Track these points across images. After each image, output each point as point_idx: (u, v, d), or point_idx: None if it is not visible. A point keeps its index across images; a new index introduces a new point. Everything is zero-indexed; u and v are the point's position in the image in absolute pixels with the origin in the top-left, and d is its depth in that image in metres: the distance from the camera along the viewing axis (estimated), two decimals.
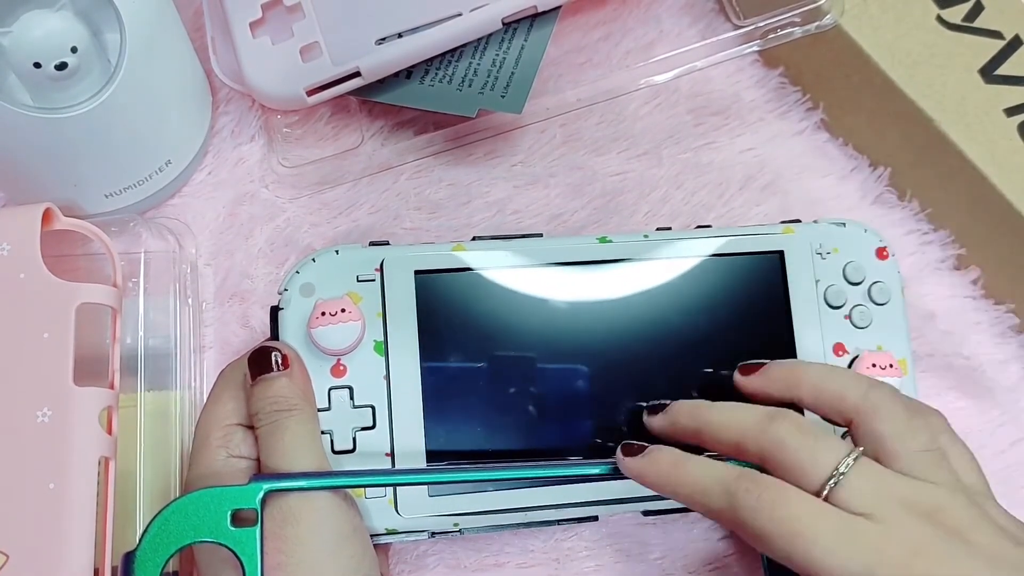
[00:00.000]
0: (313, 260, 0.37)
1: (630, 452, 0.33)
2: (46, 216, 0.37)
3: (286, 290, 0.36)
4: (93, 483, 0.33)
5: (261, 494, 0.30)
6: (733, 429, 0.32)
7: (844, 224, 0.40)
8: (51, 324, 0.35)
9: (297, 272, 0.37)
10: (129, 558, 0.30)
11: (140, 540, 0.30)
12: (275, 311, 0.36)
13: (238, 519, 0.30)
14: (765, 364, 0.35)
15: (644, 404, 0.36)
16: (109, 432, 0.35)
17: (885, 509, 0.29)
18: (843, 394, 0.32)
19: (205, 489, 0.31)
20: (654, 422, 0.35)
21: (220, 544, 0.30)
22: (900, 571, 0.28)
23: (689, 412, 0.34)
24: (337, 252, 0.37)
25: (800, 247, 0.39)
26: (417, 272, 0.37)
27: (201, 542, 0.30)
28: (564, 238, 0.39)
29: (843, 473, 0.29)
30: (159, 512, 0.30)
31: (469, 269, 0.37)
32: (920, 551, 0.28)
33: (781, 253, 0.39)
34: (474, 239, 0.38)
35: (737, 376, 0.35)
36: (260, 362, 0.34)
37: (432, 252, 0.37)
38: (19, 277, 0.36)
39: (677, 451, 0.32)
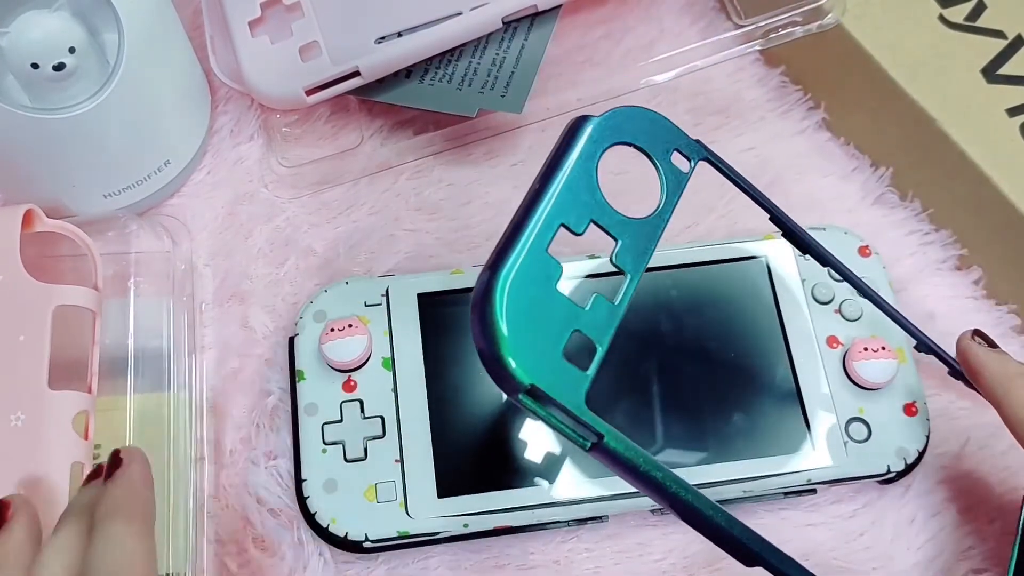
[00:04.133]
0: (325, 291, 0.40)
1: (987, 340, 0.36)
2: (28, 217, 0.37)
3: (301, 318, 0.39)
4: (65, 489, 0.33)
5: (699, 156, 0.33)
6: None
7: (824, 228, 0.42)
8: (27, 326, 0.35)
9: (311, 302, 0.39)
10: (582, 121, 0.30)
11: (599, 116, 0.30)
12: (291, 341, 0.39)
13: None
14: (997, 347, 0.37)
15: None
16: (86, 437, 0.34)
17: None
18: None
19: (660, 117, 0.32)
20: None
21: (655, 165, 0.31)
22: None
23: (1012, 374, 0.35)
24: (347, 283, 0.40)
25: (782, 250, 0.41)
26: (420, 295, 0.39)
27: (645, 153, 0.31)
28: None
29: None
30: (616, 108, 0.31)
31: (467, 290, 0.39)
32: None
33: (765, 257, 0.40)
34: (474, 267, 0.40)
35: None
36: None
37: (433, 277, 0.39)
38: None
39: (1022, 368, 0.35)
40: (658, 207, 0.31)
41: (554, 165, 0.29)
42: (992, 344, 0.36)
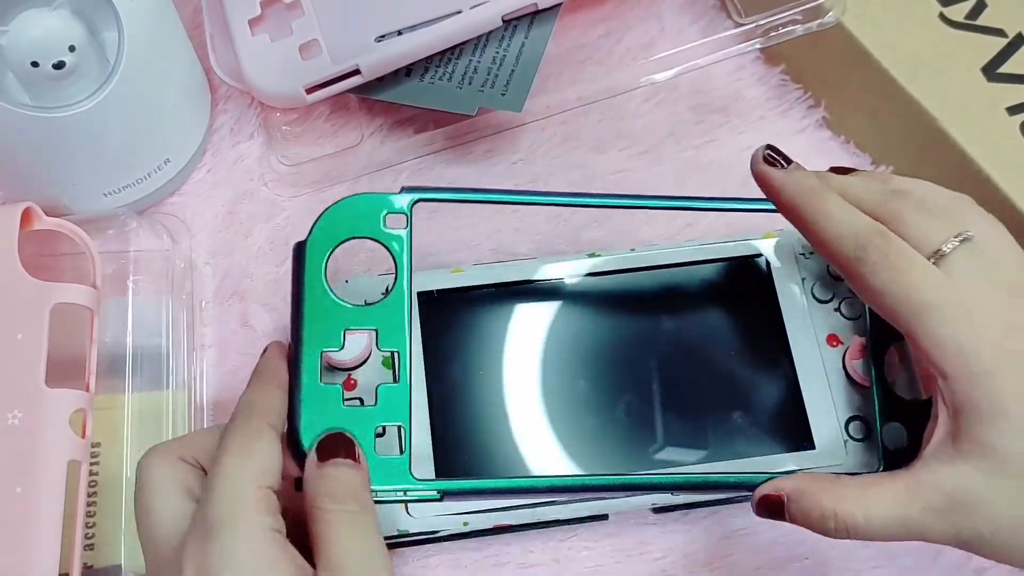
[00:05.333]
0: None
1: (773, 161, 0.33)
2: (27, 215, 0.37)
3: None
4: (61, 487, 0.33)
5: (411, 201, 0.33)
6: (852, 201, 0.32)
7: None
8: (25, 324, 0.35)
9: None
10: (301, 245, 0.33)
11: (309, 233, 0.32)
12: None
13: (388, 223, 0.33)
14: (793, 163, 0.34)
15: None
16: (83, 435, 0.34)
17: (983, 287, 0.31)
18: (932, 198, 0.33)
19: (363, 194, 0.33)
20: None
21: (376, 240, 0.33)
22: (994, 348, 0.30)
23: (810, 189, 0.33)
24: (347, 282, 0.39)
25: (782, 249, 0.41)
26: (420, 293, 0.38)
27: (360, 237, 0.33)
28: (556, 259, 0.40)
29: (949, 251, 0.31)
30: (323, 211, 0.33)
31: (468, 288, 0.39)
32: (1013, 327, 0.30)
33: (765, 255, 0.40)
34: (474, 265, 0.40)
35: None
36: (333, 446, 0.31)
37: (433, 275, 0.39)
38: None
39: (821, 178, 0.33)
40: (394, 277, 0.33)
41: (294, 303, 0.32)
42: (788, 161, 0.34)
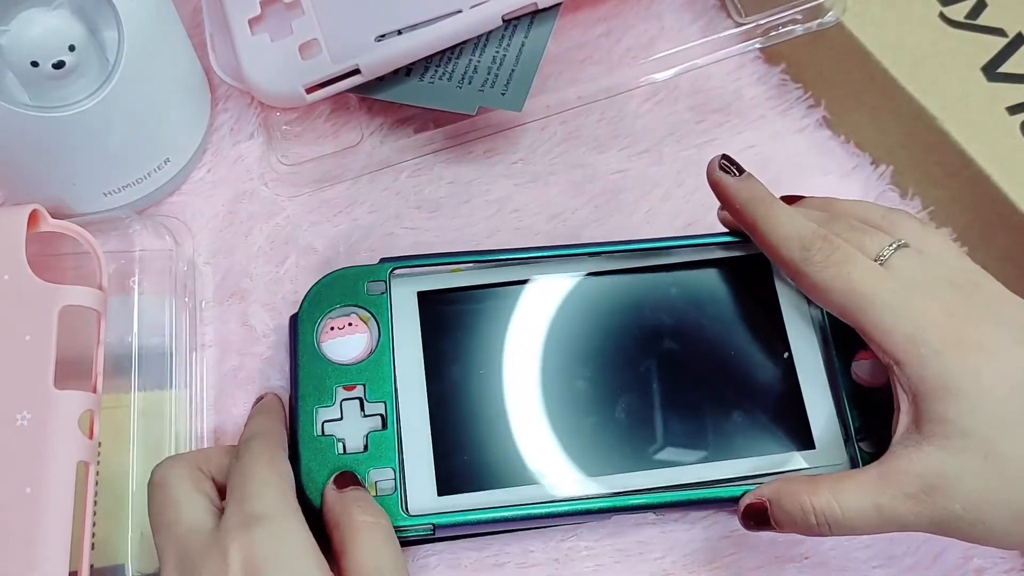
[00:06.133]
0: None
1: (727, 169, 0.37)
2: (33, 217, 0.37)
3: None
4: (70, 488, 0.33)
5: (388, 269, 0.38)
6: (794, 224, 0.35)
7: None
8: (33, 326, 0.35)
9: None
10: (294, 318, 0.38)
11: (300, 307, 0.37)
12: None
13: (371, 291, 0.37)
14: (803, 197, 0.39)
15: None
16: (90, 436, 0.34)
17: (922, 279, 0.33)
18: (867, 216, 0.36)
19: (345, 268, 0.38)
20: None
21: (360, 306, 0.37)
22: (939, 331, 0.32)
23: (760, 196, 0.36)
24: None
25: None
26: (420, 293, 0.39)
27: (346, 306, 0.37)
28: (556, 259, 0.40)
29: (887, 256, 0.34)
30: (312, 286, 0.37)
31: (467, 288, 0.39)
32: (955, 313, 0.32)
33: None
34: (473, 264, 0.40)
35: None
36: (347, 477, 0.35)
37: (433, 275, 0.39)
38: (3, 279, 0.35)
39: (768, 191, 0.36)
40: (379, 336, 0.37)
41: (291, 370, 0.37)
42: (741, 170, 0.37)
